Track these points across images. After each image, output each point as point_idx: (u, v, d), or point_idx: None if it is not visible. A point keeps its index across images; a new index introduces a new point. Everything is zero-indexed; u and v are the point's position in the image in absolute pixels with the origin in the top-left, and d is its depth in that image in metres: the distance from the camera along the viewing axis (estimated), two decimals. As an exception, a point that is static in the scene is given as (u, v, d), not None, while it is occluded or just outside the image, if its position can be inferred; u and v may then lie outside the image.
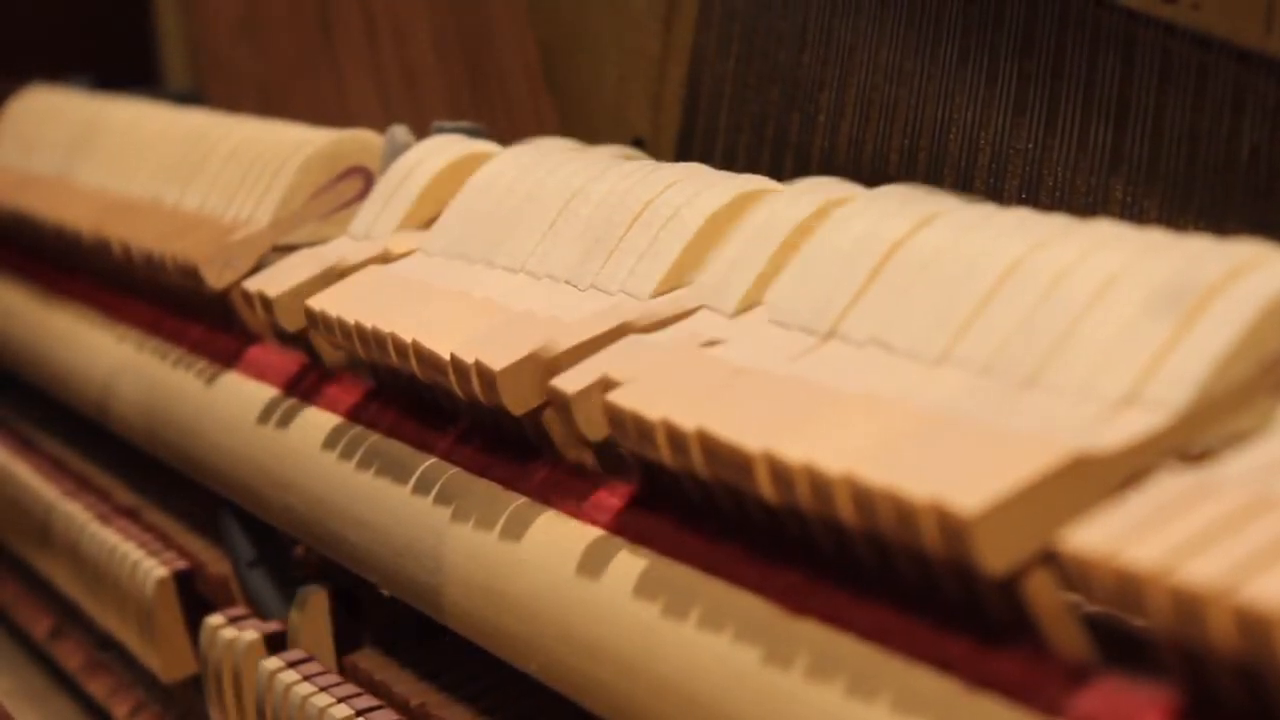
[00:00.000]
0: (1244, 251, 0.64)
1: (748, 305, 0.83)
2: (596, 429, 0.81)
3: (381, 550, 0.98)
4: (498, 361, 0.86)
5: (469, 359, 0.88)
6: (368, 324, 0.98)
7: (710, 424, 0.71)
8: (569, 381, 0.82)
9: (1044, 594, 0.61)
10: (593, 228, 0.95)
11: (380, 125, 1.28)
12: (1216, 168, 0.97)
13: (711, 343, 0.81)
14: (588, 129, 1.47)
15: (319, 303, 1.04)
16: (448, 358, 0.90)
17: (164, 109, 1.63)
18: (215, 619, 1.16)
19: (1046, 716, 0.59)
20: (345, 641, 1.12)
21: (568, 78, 1.52)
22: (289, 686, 1.05)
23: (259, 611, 1.20)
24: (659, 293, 0.88)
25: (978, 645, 0.63)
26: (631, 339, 0.84)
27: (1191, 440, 0.61)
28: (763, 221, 0.86)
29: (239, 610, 1.18)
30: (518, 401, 0.86)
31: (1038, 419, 0.64)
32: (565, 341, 0.85)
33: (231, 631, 1.14)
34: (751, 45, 1.31)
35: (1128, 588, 0.54)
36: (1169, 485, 0.57)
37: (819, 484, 0.66)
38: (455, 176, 1.10)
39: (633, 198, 0.93)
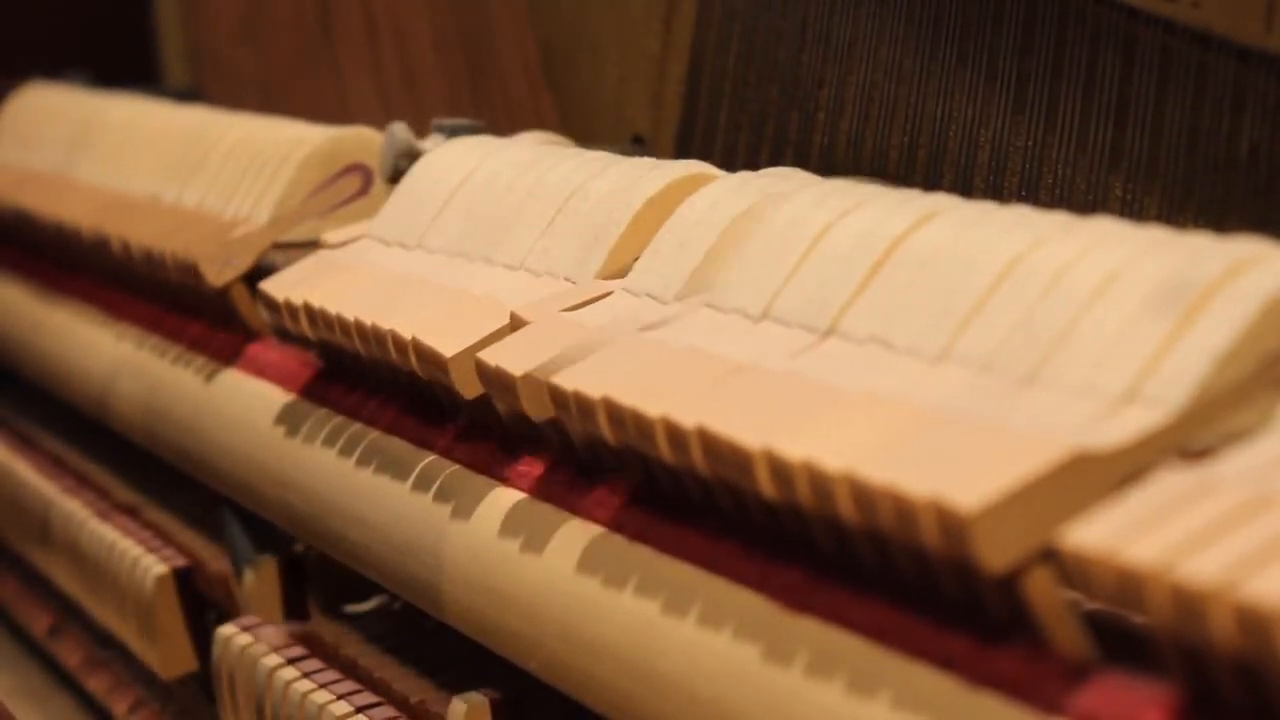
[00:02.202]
0: (1244, 249, 0.64)
1: (762, 305, 0.83)
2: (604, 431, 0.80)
3: (382, 548, 0.98)
4: (517, 367, 0.85)
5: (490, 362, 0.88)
6: (367, 320, 0.98)
7: (710, 421, 0.71)
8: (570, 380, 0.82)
9: (1044, 592, 0.61)
10: (592, 224, 0.95)
11: (380, 124, 1.28)
12: (1216, 165, 0.97)
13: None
14: (588, 127, 1.47)
15: (319, 300, 1.04)
16: (449, 356, 0.90)
17: (163, 106, 1.63)
18: (228, 629, 1.15)
19: (1046, 714, 0.59)
20: (294, 607, 1.19)
21: (568, 76, 1.52)
22: (289, 684, 1.05)
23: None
24: (657, 288, 0.88)
25: (978, 643, 0.63)
26: (632, 337, 0.84)
27: (1191, 438, 0.61)
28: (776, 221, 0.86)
29: (252, 619, 1.17)
30: (537, 407, 0.85)
31: (1037, 416, 0.64)
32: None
33: (245, 640, 1.13)
34: (751, 43, 1.31)
35: (1128, 585, 0.54)
36: (1169, 483, 0.57)
37: (819, 482, 0.66)
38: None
39: (633, 194, 0.93)
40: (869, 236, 0.77)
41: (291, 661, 1.07)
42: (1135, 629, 0.60)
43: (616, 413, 0.77)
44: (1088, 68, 1.04)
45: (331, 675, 1.05)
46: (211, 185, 1.37)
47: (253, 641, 1.11)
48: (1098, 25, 1.03)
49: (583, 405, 0.79)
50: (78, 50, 2.28)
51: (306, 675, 1.05)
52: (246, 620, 1.17)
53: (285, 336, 1.17)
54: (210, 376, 1.23)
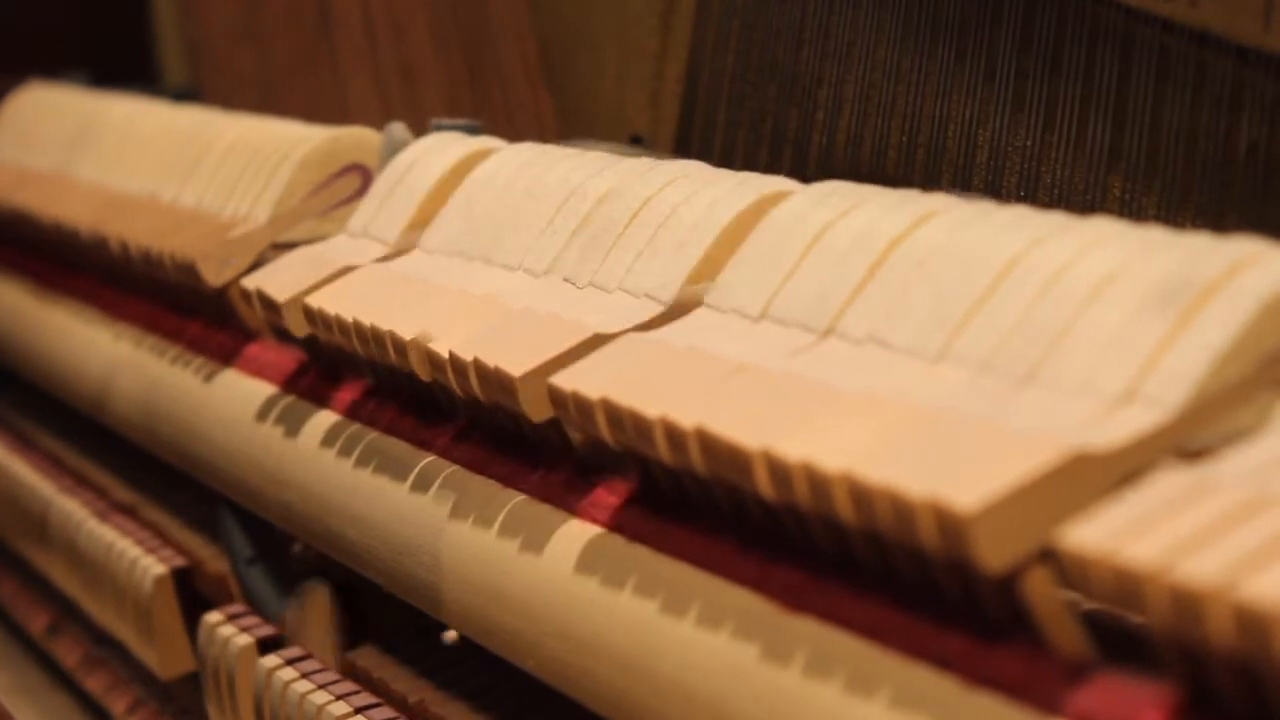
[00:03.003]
0: (1242, 248, 0.64)
1: (760, 305, 0.83)
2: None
3: (380, 548, 0.98)
4: (516, 367, 0.85)
5: (470, 358, 0.88)
6: (366, 321, 0.98)
7: (709, 422, 0.71)
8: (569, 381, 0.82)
9: (1042, 591, 0.61)
10: (591, 225, 0.95)
11: (379, 123, 1.28)
12: (1215, 165, 0.97)
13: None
14: (586, 126, 1.47)
15: (317, 300, 1.04)
16: (447, 356, 0.90)
17: (162, 106, 1.63)
18: (213, 616, 1.16)
19: (1045, 714, 0.59)
20: (347, 638, 1.10)
21: (567, 75, 1.52)
22: (287, 684, 1.05)
23: (258, 609, 1.20)
24: (655, 289, 0.88)
25: (976, 643, 0.63)
26: (631, 337, 0.84)
27: (1190, 437, 0.61)
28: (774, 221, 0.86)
29: (237, 607, 1.18)
30: (536, 409, 0.85)
31: (1036, 416, 0.64)
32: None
33: (229, 630, 1.13)
34: (749, 42, 1.31)
35: (1126, 585, 0.54)
36: (1167, 483, 0.57)
37: (817, 482, 0.66)
38: (461, 175, 1.09)
39: (631, 195, 0.93)
40: (868, 236, 0.77)
41: (290, 662, 1.07)
42: (1134, 629, 0.60)
43: (615, 413, 0.77)
44: (1086, 67, 1.04)
45: (330, 675, 1.05)
46: (210, 185, 1.37)
47: (250, 641, 1.12)
48: (1096, 24, 1.03)
49: (581, 406, 0.79)
50: (76, 50, 2.28)
51: (305, 676, 1.05)
52: (233, 609, 1.17)
53: (281, 334, 1.17)
54: (208, 376, 1.23)
